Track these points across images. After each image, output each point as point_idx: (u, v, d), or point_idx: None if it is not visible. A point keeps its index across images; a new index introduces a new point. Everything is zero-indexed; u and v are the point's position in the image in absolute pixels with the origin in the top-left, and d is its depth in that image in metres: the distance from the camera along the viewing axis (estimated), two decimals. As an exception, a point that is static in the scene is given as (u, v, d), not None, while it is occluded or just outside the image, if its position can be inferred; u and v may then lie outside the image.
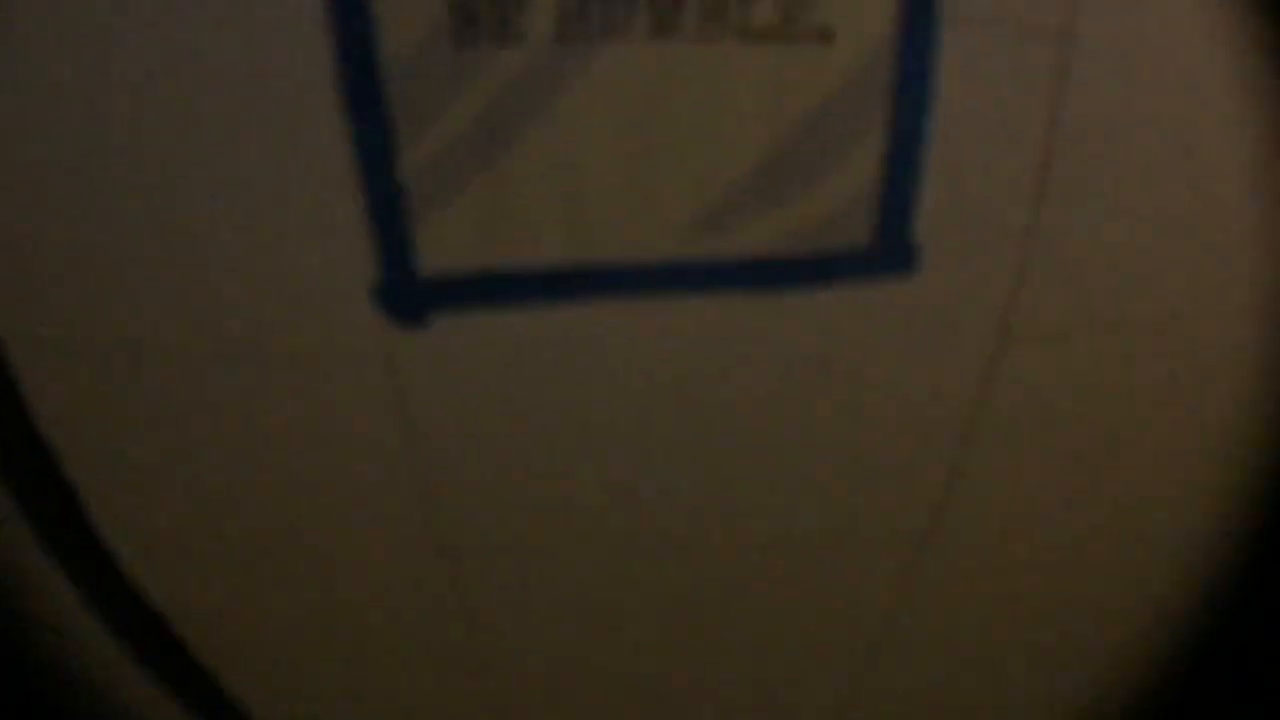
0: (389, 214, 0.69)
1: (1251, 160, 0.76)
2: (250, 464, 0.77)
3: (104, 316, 0.73)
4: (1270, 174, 0.76)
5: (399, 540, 0.78)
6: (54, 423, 0.76)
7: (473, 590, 0.79)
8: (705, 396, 0.75)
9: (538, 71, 0.67)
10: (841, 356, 0.74)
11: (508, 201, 0.69)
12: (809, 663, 0.87)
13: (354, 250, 0.70)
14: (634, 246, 0.70)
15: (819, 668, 0.87)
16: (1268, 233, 0.78)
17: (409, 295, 0.71)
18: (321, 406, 0.74)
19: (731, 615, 0.84)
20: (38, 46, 0.66)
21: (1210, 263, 0.79)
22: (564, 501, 0.78)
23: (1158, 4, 0.73)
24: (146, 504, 0.80)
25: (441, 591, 0.79)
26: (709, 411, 0.75)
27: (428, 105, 0.67)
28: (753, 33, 0.67)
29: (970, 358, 0.76)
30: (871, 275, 0.72)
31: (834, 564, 0.83)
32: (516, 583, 0.80)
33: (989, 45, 0.71)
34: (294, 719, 0.84)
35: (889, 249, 0.72)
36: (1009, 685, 0.90)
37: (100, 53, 0.67)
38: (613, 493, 0.77)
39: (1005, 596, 0.86)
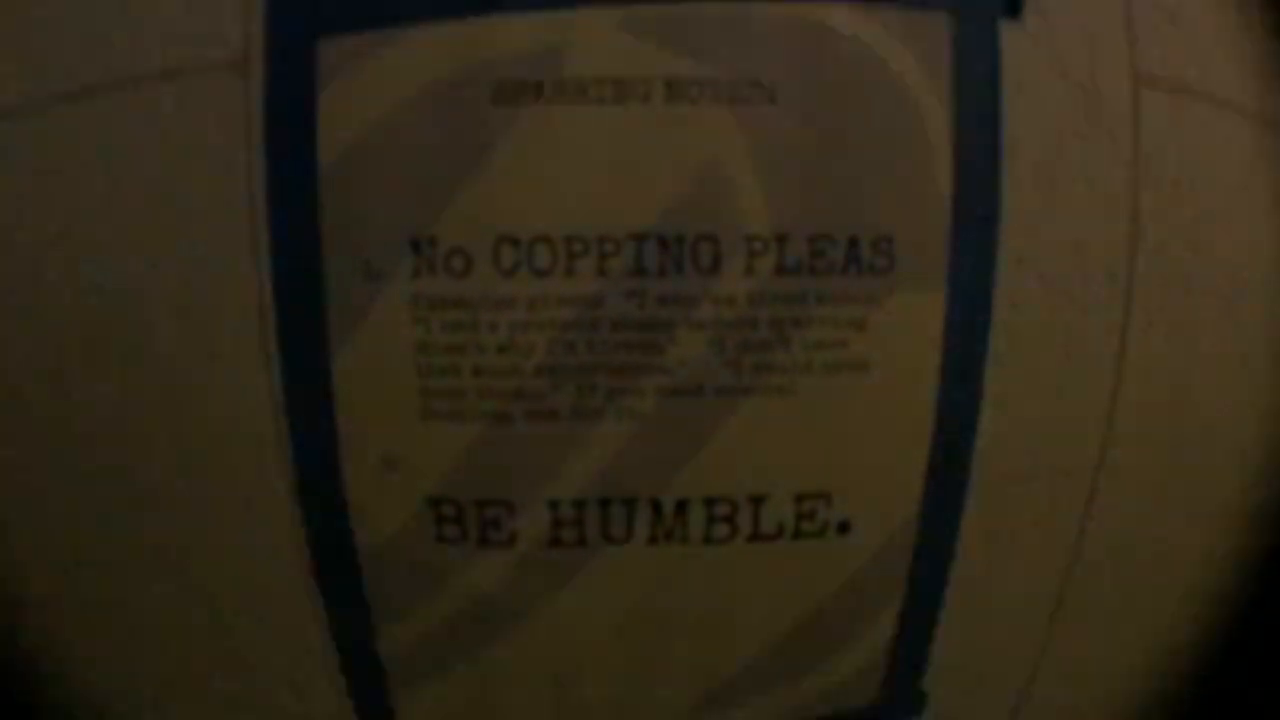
0: (364, 687, 0.64)
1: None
2: None
3: None
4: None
5: None
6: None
7: None
8: None
9: (526, 574, 0.62)
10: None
11: (492, 689, 0.65)
12: None
13: (333, 703, 0.66)
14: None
15: None
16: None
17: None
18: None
19: None
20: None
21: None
22: None
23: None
24: None
25: None
26: None
27: (406, 597, 0.63)
28: (764, 535, 0.62)
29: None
30: (877, 725, 0.70)
31: None
32: None
33: (1018, 496, 0.65)
34: None
35: (897, 701, 0.67)
36: None
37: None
38: None
39: None
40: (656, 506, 0.62)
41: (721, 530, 0.62)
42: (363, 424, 0.61)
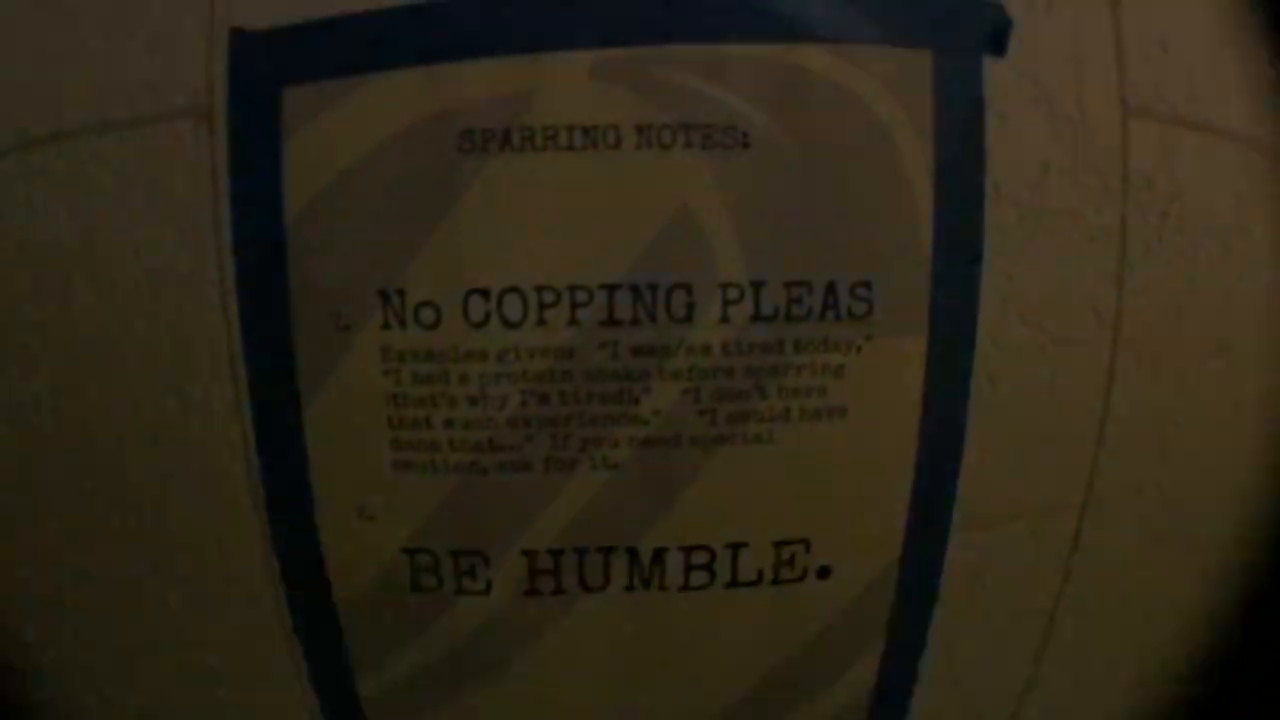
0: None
1: None
2: None
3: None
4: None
5: None
6: None
7: None
8: None
9: (504, 623, 0.62)
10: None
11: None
12: None
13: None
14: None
15: None
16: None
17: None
18: None
19: None
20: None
21: None
22: None
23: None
24: None
25: None
26: None
27: (384, 646, 0.62)
28: (743, 582, 0.62)
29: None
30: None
31: None
32: None
33: (1002, 538, 0.64)
34: None
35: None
36: None
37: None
38: None
39: None
40: (633, 555, 0.61)
41: (700, 578, 0.61)
42: (336, 475, 0.60)
